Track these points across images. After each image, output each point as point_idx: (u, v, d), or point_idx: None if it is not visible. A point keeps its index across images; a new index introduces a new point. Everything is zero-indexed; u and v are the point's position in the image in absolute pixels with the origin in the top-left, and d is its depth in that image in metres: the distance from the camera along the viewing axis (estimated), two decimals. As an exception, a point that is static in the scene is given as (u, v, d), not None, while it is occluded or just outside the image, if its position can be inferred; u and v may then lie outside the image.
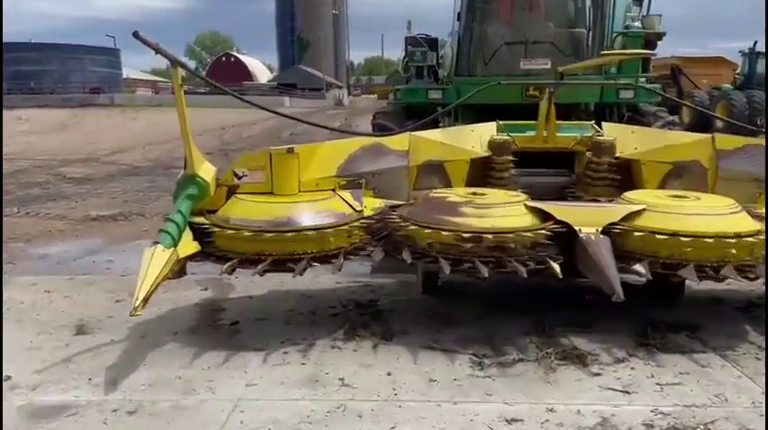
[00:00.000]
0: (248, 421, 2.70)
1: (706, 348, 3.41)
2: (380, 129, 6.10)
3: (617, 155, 4.26)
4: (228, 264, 3.38)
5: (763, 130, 14.07)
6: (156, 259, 3.00)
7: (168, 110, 16.37)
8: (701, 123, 14.22)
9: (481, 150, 4.30)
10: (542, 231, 3.42)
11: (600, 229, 3.37)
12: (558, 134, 4.43)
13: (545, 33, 6.56)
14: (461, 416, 2.73)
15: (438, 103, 6.31)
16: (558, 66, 5.95)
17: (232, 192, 3.70)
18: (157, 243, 3.10)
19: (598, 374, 3.11)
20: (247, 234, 3.39)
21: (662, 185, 4.15)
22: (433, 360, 3.28)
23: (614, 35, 6.58)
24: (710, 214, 3.43)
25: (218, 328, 3.80)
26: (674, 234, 3.28)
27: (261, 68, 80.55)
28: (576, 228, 3.39)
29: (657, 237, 3.31)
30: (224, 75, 60.80)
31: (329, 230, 3.47)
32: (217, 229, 3.45)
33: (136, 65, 70.94)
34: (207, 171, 3.55)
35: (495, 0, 6.85)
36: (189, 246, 3.34)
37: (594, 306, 3.80)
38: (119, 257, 5.66)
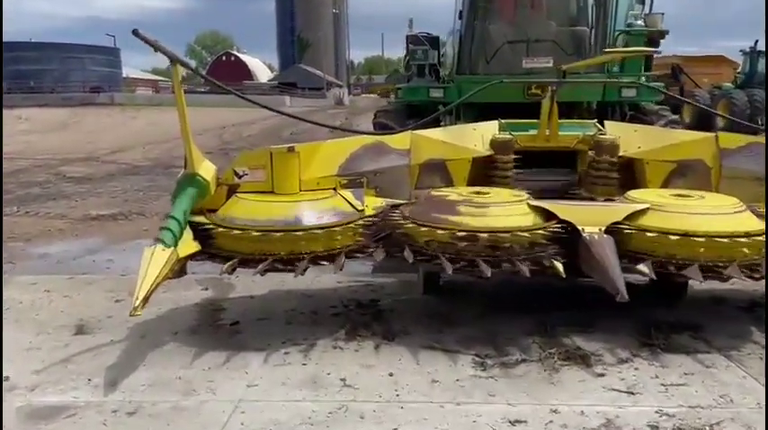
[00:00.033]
0: (249, 422, 2.68)
1: (710, 348, 3.39)
2: (382, 128, 6.09)
3: (620, 153, 4.23)
4: (229, 263, 3.36)
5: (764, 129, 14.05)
6: (156, 258, 2.98)
7: (168, 109, 16.33)
8: (703, 122, 14.22)
9: (483, 149, 4.28)
10: (540, 231, 3.39)
11: (603, 229, 3.34)
12: (560, 133, 4.41)
13: (547, 32, 6.53)
14: (464, 417, 2.70)
15: (439, 102, 6.30)
16: (561, 64, 5.94)
17: (232, 191, 3.67)
18: (157, 242, 3.07)
19: (602, 375, 3.08)
20: (255, 233, 3.36)
21: (665, 184, 4.12)
22: (436, 360, 3.26)
23: (617, 33, 6.57)
24: (716, 213, 3.41)
25: (219, 328, 3.78)
26: (685, 234, 3.25)
27: (261, 68, 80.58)
28: (580, 228, 3.36)
29: (669, 237, 3.27)
30: (224, 74, 60.73)
31: (337, 229, 3.46)
32: (221, 229, 3.41)
33: (136, 64, 71.10)
34: (207, 170, 3.52)
35: None
36: (189, 245, 3.31)
37: (596, 306, 3.77)
38: (119, 257, 5.64)
